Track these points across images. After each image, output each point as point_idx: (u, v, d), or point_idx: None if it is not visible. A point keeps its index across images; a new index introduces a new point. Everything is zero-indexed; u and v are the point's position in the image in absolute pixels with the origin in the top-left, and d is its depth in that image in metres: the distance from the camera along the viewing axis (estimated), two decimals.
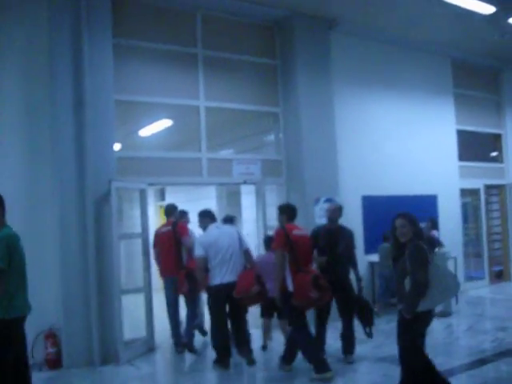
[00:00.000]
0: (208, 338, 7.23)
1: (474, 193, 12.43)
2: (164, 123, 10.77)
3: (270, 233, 7.61)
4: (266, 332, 7.54)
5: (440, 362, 6.34)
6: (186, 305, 7.71)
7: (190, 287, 7.28)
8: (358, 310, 6.70)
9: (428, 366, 4.75)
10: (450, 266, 9.50)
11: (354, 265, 6.91)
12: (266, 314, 7.39)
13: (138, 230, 7.97)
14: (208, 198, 12.14)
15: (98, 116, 7.26)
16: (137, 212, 8.18)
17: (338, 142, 9.47)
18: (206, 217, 7.13)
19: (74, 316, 7.00)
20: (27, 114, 7.26)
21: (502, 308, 10.18)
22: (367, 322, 6.67)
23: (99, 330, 7.06)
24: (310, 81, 9.22)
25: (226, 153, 10.61)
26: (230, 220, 7.99)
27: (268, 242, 7.28)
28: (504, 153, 13.01)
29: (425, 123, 11.11)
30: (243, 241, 6.90)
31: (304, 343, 6.26)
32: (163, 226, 8.13)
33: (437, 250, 9.13)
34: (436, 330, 8.04)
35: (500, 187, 12.92)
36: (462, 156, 11.91)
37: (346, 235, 6.89)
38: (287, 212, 6.59)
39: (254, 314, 8.18)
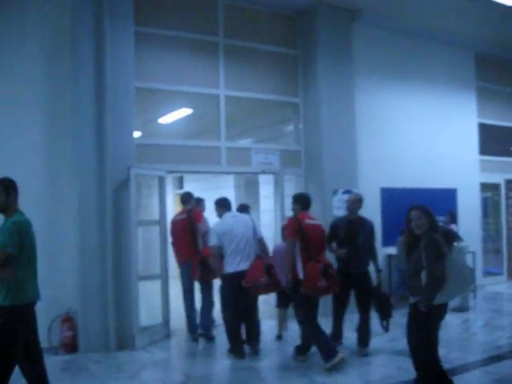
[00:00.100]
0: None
1: (494, 187, 12.28)
2: (184, 111, 10.81)
3: None
4: (281, 322, 7.55)
5: (455, 357, 6.38)
6: (201, 292, 7.75)
7: (202, 274, 7.35)
8: (376, 302, 6.68)
9: (438, 365, 4.71)
10: (468, 260, 9.43)
11: (374, 257, 6.88)
12: (281, 304, 7.39)
13: (156, 217, 8.00)
14: (226, 187, 12.16)
15: (118, 102, 7.29)
16: (155, 199, 8.21)
17: (358, 134, 9.42)
18: (222, 206, 7.16)
19: (91, 301, 7.07)
20: (49, 97, 7.31)
21: None
22: (385, 315, 6.65)
23: (116, 315, 7.13)
24: (331, 71, 9.16)
25: (244, 142, 10.61)
26: (244, 208, 8.01)
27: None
28: None
29: (446, 116, 11.00)
30: (257, 230, 6.94)
31: (314, 334, 6.29)
32: (179, 213, 8.17)
33: (455, 244, 9.05)
34: (452, 325, 8.01)
35: None
36: (483, 150, 11.78)
37: (367, 227, 6.86)
38: (301, 201, 6.59)
39: (269, 304, 8.21)
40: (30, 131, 7.22)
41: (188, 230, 7.67)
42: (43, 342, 6.73)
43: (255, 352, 6.83)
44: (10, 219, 4.51)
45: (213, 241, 6.76)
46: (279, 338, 7.50)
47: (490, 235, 12.35)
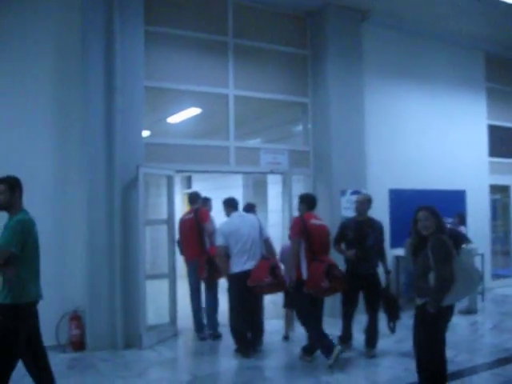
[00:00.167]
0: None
1: (503, 189, 12.24)
2: (193, 111, 10.83)
3: None
4: (288, 322, 7.55)
5: (463, 360, 6.36)
6: (206, 291, 7.79)
7: (209, 273, 7.40)
8: (384, 303, 6.66)
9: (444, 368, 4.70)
10: (477, 262, 9.39)
11: (383, 258, 6.87)
12: (288, 304, 7.39)
13: (164, 216, 8.02)
14: (234, 187, 12.15)
15: (127, 101, 7.31)
16: (163, 199, 8.23)
17: (367, 135, 9.40)
18: (230, 205, 7.20)
19: (98, 299, 7.09)
20: (59, 95, 7.32)
21: None
22: (393, 317, 6.63)
23: (123, 314, 7.15)
24: (341, 72, 9.15)
25: (253, 142, 10.61)
26: (250, 208, 8.03)
27: None
28: None
29: (455, 117, 10.96)
30: (264, 230, 6.97)
31: (314, 334, 6.35)
32: (187, 213, 8.23)
33: (464, 245, 9.01)
34: (460, 327, 7.99)
35: None
36: (493, 152, 11.72)
37: (376, 228, 6.84)
38: (306, 201, 6.63)
39: (276, 304, 8.21)
40: (40, 131, 7.23)
41: (195, 229, 7.73)
42: (51, 339, 6.84)
43: (257, 351, 6.86)
44: (14, 217, 4.50)
45: (219, 241, 6.81)
46: (286, 338, 7.49)
47: (499, 237, 12.30)
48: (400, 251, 9.51)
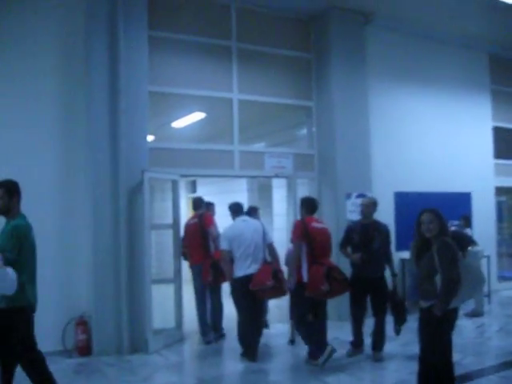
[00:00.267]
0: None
1: (509, 191, 12.20)
2: (197, 115, 10.84)
3: None
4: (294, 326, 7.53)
5: (470, 362, 6.34)
6: (210, 295, 7.83)
7: (214, 277, 7.45)
8: (391, 306, 6.65)
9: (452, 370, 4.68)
10: (483, 265, 9.37)
11: (389, 261, 6.85)
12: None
13: (170, 220, 8.03)
14: (239, 191, 12.16)
15: (131, 106, 7.32)
16: (168, 203, 8.24)
17: (372, 137, 9.39)
18: (235, 210, 7.25)
19: (104, 304, 7.09)
20: (63, 100, 7.32)
21: None
22: (400, 320, 6.62)
23: (129, 318, 7.15)
24: (345, 75, 9.15)
25: (258, 146, 10.62)
26: (253, 211, 8.05)
27: None
28: None
29: (460, 119, 10.94)
30: (267, 235, 6.97)
31: (306, 335, 6.44)
32: (192, 217, 8.25)
33: (470, 248, 8.99)
34: (467, 330, 7.96)
35: None
36: (498, 153, 11.69)
37: (382, 231, 6.83)
38: (306, 205, 6.70)
39: (281, 307, 8.20)
40: (44, 135, 7.23)
41: (200, 234, 7.80)
42: (57, 344, 6.86)
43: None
44: (12, 222, 4.52)
45: (223, 245, 6.84)
46: (292, 342, 7.47)
47: (505, 239, 12.26)
48: (406, 254, 9.49)
